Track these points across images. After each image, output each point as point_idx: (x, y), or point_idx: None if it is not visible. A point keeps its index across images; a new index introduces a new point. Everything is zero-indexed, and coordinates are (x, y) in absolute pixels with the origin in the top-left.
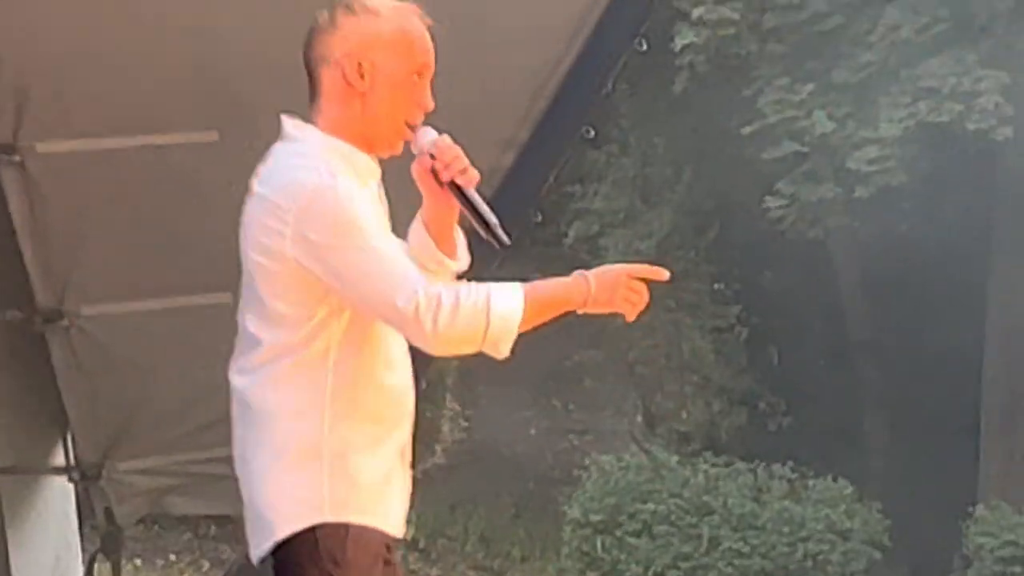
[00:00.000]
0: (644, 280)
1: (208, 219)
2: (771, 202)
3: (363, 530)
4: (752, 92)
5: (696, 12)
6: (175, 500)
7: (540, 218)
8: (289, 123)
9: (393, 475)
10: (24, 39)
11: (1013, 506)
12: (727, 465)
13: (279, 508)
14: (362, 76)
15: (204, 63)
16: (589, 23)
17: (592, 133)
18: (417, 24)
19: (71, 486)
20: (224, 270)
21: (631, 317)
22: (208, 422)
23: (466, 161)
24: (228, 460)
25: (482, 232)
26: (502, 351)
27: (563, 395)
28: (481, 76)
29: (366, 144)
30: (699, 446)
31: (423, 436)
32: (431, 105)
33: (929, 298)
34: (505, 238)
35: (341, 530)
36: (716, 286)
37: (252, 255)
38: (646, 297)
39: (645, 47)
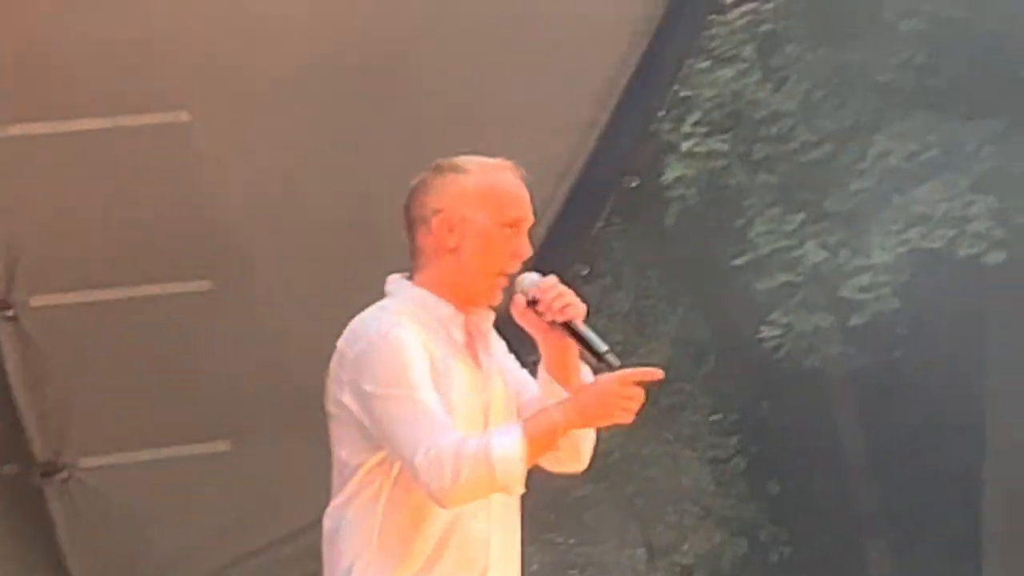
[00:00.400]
0: (640, 383)
1: (204, 368)
2: (766, 332)
3: None
4: (743, 223)
5: (685, 145)
6: None
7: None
8: (388, 279)
9: None
10: (13, 199)
11: None
12: None
13: None
14: (451, 231)
15: (196, 213)
16: (579, 161)
17: (586, 270)
18: (507, 177)
19: None
20: (221, 419)
21: (628, 421)
22: (210, 571)
23: (570, 297)
24: None
25: (593, 361)
26: (515, 492)
27: (563, 530)
28: None
29: (464, 297)
30: None
31: None
32: (528, 253)
33: (927, 422)
34: (617, 362)
35: None
36: (714, 417)
37: (327, 406)
38: (642, 399)
39: (636, 183)
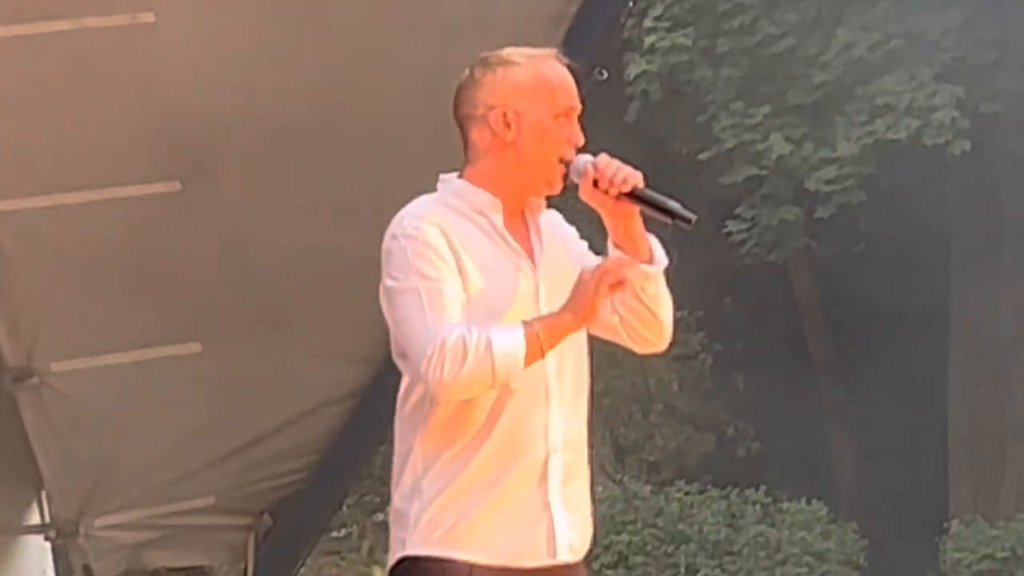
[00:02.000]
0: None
1: (173, 270)
2: (732, 226)
3: (445, 564)
4: (707, 118)
5: (648, 40)
6: (153, 554)
7: None
8: (441, 177)
9: (507, 506)
10: None
11: (988, 520)
12: (700, 492)
13: (390, 544)
14: (508, 126)
15: (162, 115)
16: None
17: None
18: (556, 67)
19: (48, 544)
20: (192, 321)
21: (616, 287)
22: (183, 474)
23: (626, 169)
24: (204, 511)
25: (668, 221)
26: (512, 385)
27: None
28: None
29: (525, 189)
30: (670, 475)
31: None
32: (581, 140)
33: (891, 316)
34: (693, 216)
35: (420, 563)
36: (678, 314)
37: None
38: (616, 269)
39: (605, 76)
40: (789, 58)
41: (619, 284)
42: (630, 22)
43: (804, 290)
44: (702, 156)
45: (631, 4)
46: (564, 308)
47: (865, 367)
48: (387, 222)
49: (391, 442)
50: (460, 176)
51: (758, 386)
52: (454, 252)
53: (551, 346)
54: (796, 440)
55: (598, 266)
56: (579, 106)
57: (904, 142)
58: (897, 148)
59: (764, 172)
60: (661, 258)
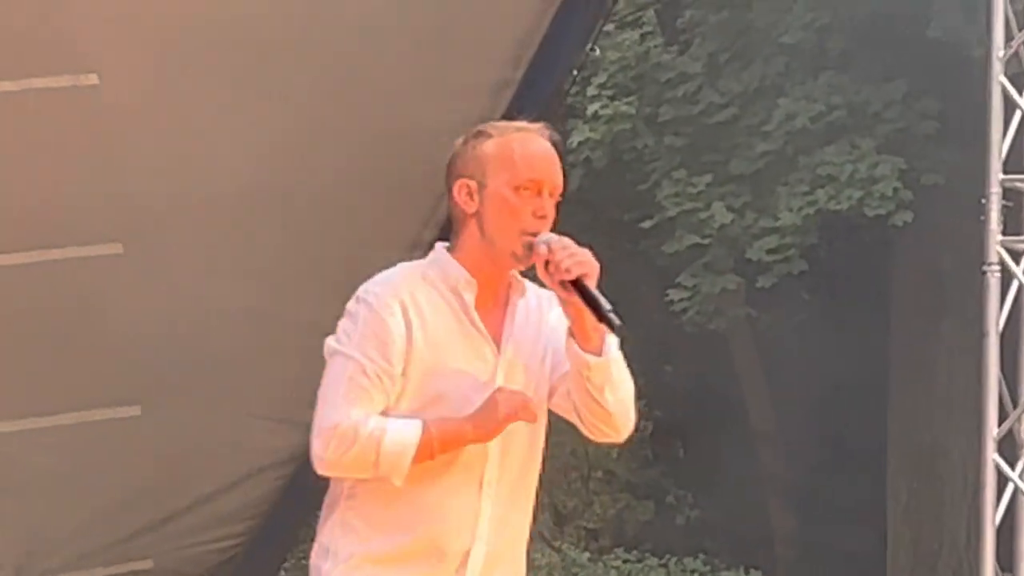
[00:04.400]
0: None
1: (114, 332)
2: (673, 295)
3: None
4: (650, 186)
5: (592, 108)
6: None
7: None
8: (436, 246)
9: None
10: None
11: None
12: (639, 561)
13: None
14: (471, 197)
15: (105, 176)
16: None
17: None
18: (529, 140)
19: None
20: (131, 383)
21: (525, 417)
22: (120, 537)
23: (577, 258)
24: (141, 574)
25: (594, 320)
26: (396, 482)
27: None
28: (386, 184)
29: (493, 262)
30: (608, 542)
31: None
32: (548, 214)
33: (831, 386)
34: (618, 323)
35: None
36: None
37: None
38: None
39: None
40: (732, 127)
41: (528, 416)
42: (574, 89)
43: (745, 359)
44: (644, 224)
45: (575, 72)
46: (468, 419)
47: (805, 436)
48: (326, 288)
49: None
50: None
51: (698, 454)
52: (409, 329)
53: (446, 451)
54: (735, 508)
55: (513, 392)
56: (550, 180)
57: (846, 212)
58: (839, 218)
59: (706, 241)
60: (609, 350)
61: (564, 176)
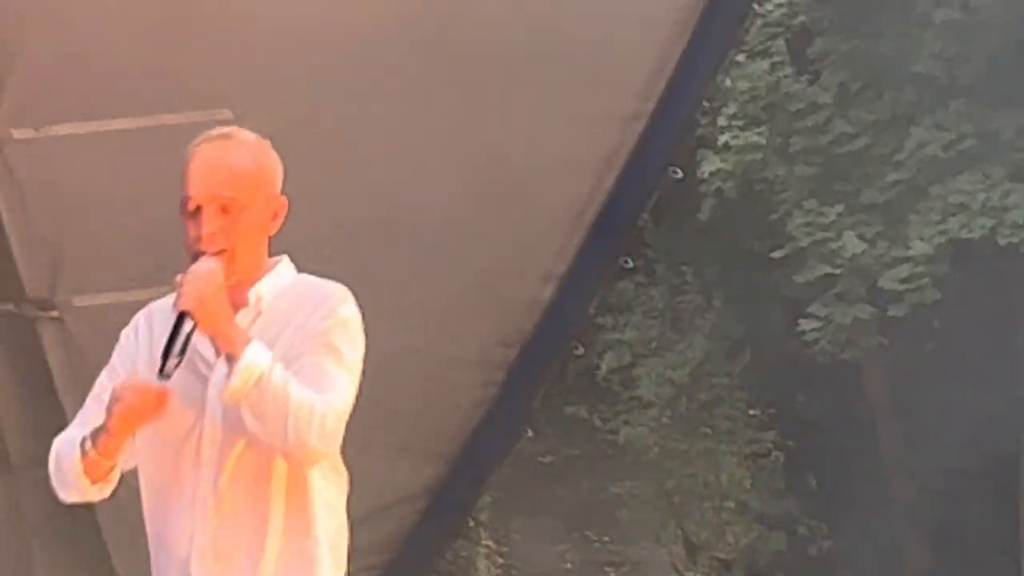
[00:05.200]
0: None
1: None
2: (804, 325)
3: None
4: (780, 215)
5: (722, 138)
6: None
7: (582, 351)
8: None
9: None
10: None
11: None
12: None
13: None
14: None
15: None
16: (622, 154)
17: (630, 263)
18: (197, 152)
19: None
20: None
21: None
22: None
23: (185, 290)
24: None
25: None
26: (63, 497)
27: (598, 527)
28: (518, 211)
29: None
30: (741, 573)
31: (459, 573)
32: (203, 232)
33: (963, 414)
34: (168, 372)
35: None
36: (751, 412)
37: None
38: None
39: (680, 175)
40: (863, 157)
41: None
42: (704, 120)
43: (877, 388)
44: (775, 254)
45: (706, 103)
46: (104, 419)
47: (938, 467)
48: (457, 321)
49: (465, 536)
50: None
51: (830, 484)
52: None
53: (108, 455)
54: (867, 539)
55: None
56: (202, 195)
57: (978, 241)
58: (971, 247)
59: (838, 271)
60: (242, 365)
61: (695, 205)
